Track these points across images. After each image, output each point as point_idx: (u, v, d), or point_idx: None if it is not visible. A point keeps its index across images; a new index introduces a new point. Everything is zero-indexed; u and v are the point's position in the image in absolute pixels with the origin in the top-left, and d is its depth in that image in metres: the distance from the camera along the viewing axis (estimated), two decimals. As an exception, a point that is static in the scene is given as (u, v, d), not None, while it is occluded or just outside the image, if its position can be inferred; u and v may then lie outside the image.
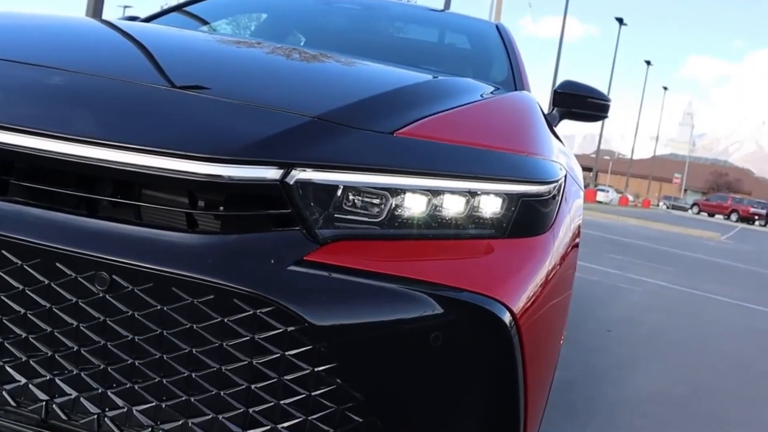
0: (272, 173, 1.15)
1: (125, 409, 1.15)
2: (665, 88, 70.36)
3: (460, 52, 3.52)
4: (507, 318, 1.19)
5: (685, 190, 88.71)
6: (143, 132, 1.16)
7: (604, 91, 3.05)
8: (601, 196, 45.81)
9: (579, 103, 2.82)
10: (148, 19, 3.24)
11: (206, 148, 1.13)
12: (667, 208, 56.48)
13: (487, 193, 1.28)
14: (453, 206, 1.26)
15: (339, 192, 1.19)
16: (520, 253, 1.31)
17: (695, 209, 54.38)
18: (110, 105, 1.23)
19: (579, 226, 1.86)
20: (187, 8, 3.42)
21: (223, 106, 1.27)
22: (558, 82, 2.92)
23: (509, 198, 1.30)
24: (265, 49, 2.08)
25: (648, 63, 58.92)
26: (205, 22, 3.30)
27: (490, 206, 1.29)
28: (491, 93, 1.81)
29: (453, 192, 1.26)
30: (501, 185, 1.30)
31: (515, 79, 2.68)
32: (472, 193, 1.27)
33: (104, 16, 8.57)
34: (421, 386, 1.19)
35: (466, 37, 3.64)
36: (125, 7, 44.91)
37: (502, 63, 2.93)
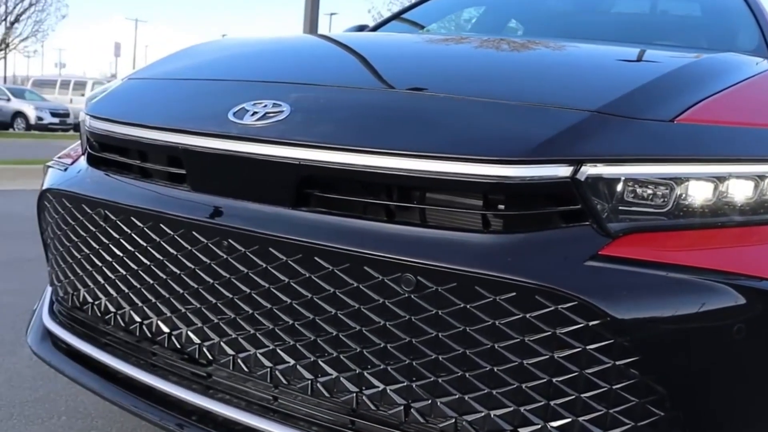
0: (563, 171, 1.17)
1: (429, 401, 1.22)
2: None
3: (696, 20, 3.29)
4: (816, 308, 1.13)
5: None
6: (433, 139, 1.24)
7: None
8: None
9: None
10: (375, 28, 3.40)
11: (495, 151, 1.18)
12: None
13: None
14: (742, 191, 1.21)
15: (625, 184, 1.19)
16: None
17: None
18: (398, 117, 1.33)
19: None
20: (408, 14, 3.54)
21: (499, 108, 1.32)
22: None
23: None
24: (506, 46, 2.10)
25: None
26: (421, 27, 3.40)
27: None
28: (760, 66, 1.70)
29: (740, 177, 1.21)
30: None
31: None
32: (762, 177, 1.21)
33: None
34: (724, 381, 1.15)
35: (698, 3, 3.40)
36: (331, 14, 47.58)
37: (749, 28, 2.70)
